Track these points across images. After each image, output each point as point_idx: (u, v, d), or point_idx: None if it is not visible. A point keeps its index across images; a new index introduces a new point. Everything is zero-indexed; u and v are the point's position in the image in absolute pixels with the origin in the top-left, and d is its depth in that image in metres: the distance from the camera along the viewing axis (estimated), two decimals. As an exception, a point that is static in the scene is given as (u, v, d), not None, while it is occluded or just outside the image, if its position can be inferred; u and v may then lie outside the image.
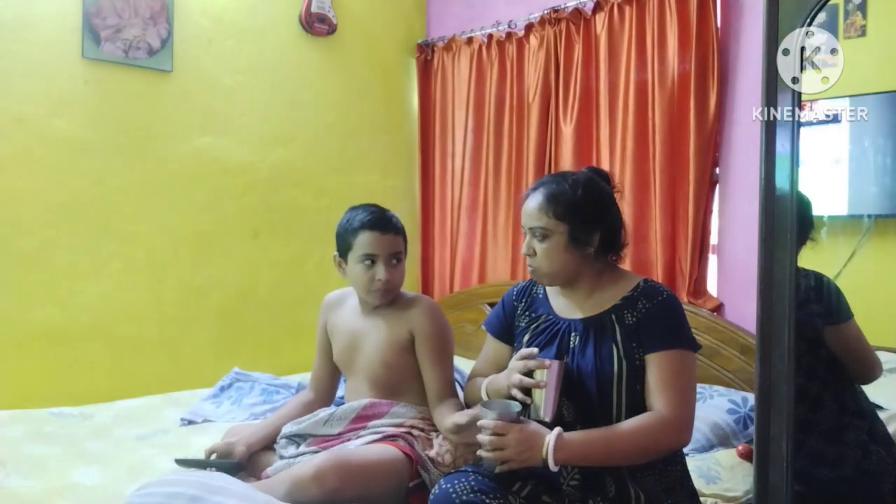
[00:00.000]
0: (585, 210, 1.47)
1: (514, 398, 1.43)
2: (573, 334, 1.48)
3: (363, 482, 1.54)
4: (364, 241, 1.76)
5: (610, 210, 1.52)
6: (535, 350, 1.44)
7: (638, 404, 1.42)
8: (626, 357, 1.41)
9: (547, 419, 1.39)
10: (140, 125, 2.83)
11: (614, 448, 1.35)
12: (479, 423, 1.37)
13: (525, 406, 1.42)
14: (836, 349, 1.66)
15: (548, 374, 1.40)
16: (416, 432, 1.72)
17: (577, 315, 1.50)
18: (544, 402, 1.39)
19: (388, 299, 1.80)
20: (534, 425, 1.36)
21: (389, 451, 1.63)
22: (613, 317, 1.45)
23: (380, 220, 1.78)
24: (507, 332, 1.63)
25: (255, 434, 1.84)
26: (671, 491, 1.44)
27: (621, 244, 1.53)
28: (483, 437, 1.34)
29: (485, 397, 1.53)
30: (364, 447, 1.65)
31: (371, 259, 1.76)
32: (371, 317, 1.85)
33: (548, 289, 1.60)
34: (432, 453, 1.67)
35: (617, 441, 1.35)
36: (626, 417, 1.41)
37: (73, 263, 2.68)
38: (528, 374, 1.42)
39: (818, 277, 1.62)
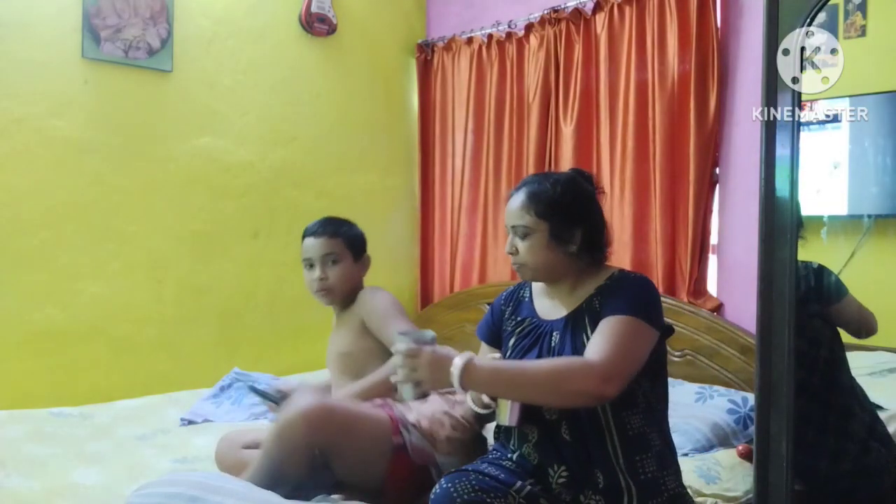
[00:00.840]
0: (565, 208, 1.49)
1: (483, 402, 1.48)
2: (554, 334, 1.48)
3: (348, 425, 1.60)
4: (303, 248, 1.95)
5: (590, 209, 1.53)
6: (497, 355, 1.45)
7: (624, 399, 1.39)
8: None
9: (506, 424, 1.41)
10: (140, 125, 2.83)
11: (523, 379, 1.34)
12: (392, 348, 1.39)
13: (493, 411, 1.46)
14: (840, 323, 1.74)
15: None
16: (391, 401, 1.76)
17: (559, 314, 1.51)
18: (509, 408, 1.40)
19: (330, 299, 1.94)
20: (447, 349, 1.38)
21: (374, 407, 1.70)
22: (584, 306, 1.46)
23: (313, 227, 1.95)
24: (496, 336, 1.64)
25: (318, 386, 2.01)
26: (666, 482, 1.43)
27: (604, 243, 1.54)
28: (396, 360, 1.36)
29: (469, 402, 1.54)
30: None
31: (309, 263, 1.93)
32: (337, 320, 2.00)
33: (533, 291, 1.60)
34: (411, 418, 1.70)
35: (528, 372, 1.34)
36: (612, 413, 1.39)
37: (73, 263, 2.68)
38: None
39: (810, 266, 1.68)
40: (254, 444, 1.87)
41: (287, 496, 1.50)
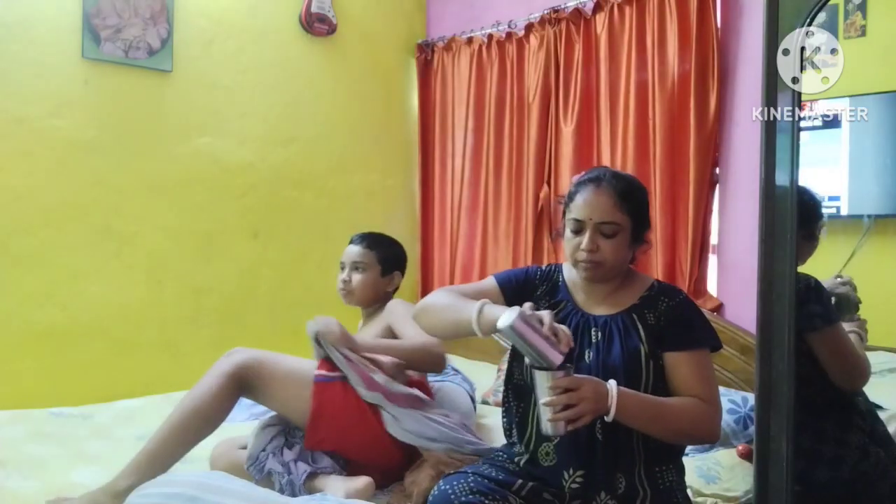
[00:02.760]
0: (645, 208, 1.51)
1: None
2: (593, 329, 1.45)
3: (268, 362, 1.80)
4: (343, 251, 2.14)
5: None
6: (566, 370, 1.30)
7: None
8: (651, 357, 1.40)
9: (552, 433, 1.28)
10: (140, 125, 2.83)
11: (661, 419, 1.34)
12: (549, 385, 1.23)
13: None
14: (826, 353, 1.61)
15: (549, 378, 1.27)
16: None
17: (596, 311, 1.48)
18: (548, 414, 1.26)
19: (348, 300, 2.11)
20: (589, 377, 1.30)
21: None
22: (635, 316, 1.45)
23: (357, 236, 2.15)
24: (514, 296, 1.52)
25: None
26: (677, 493, 1.43)
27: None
28: (554, 399, 1.23)
29: (475, 326, 1.34)
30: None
31: (342, 265, 2.13)
32: (365, 319, 2.15)
33: (567, 278, 1.56)
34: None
35: (666, 414, 1.35)
36: None
37: (73, 263, 2.68)
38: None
39: (805, 280, 1.57)
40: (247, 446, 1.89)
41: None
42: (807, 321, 1.56)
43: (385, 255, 2.12)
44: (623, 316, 1.45)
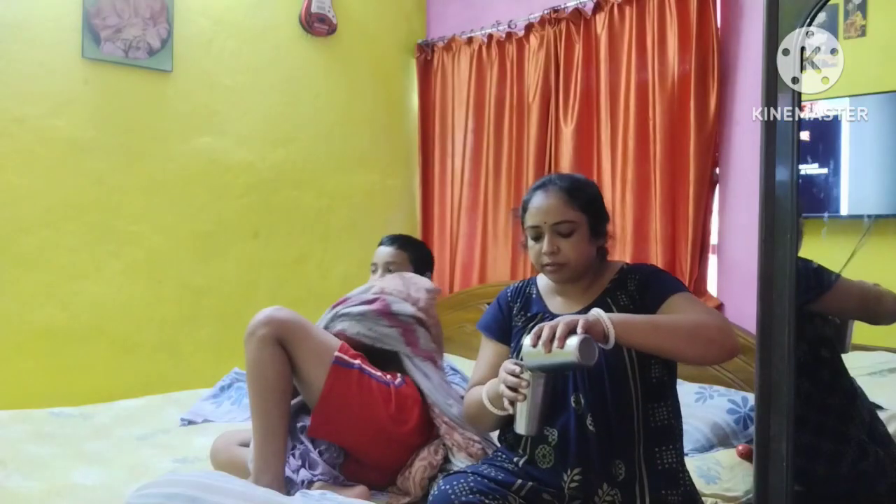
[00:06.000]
0: (599, 202, 1.52)
1: (502, 405, 1.39)
2: None
3: (300, 325, 1.72)
4: (374, 254, 2.13)
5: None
6: (516, 368, 1.34)
7: (654, 392, 1.40)
8: None
9: (522, 433, 1.32)
10: (140, 125, 2.83)
11: (665, 327, 1.31)
12: (524, 351, 1.29)
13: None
14: (842, 311, 1.66)
15: (531, 387, 1.31)
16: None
17: (574, 310, 1.49)
18: (526, 415, 1.31)
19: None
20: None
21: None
22: (609, 300, 1.46)
23: (387, 238, 2.15)
24: (506, 333, 1.60)
25: None
26: (684, 476, 1.44)
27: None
28: (544, 337, 1.24)
29: (487, 404, 1.46)
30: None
31: (374, 268, 2.11)
32: None
33: (541, 288, 1.59)
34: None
35: (667, 322, 1.33)
36: (644, 409, 1.39)
37: (73, 263, 2.69)
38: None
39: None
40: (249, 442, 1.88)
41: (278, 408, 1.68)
42: (815, 289, 1.59)
43: (416, 255, 2.13)
44: (597, 304, 1.46)
